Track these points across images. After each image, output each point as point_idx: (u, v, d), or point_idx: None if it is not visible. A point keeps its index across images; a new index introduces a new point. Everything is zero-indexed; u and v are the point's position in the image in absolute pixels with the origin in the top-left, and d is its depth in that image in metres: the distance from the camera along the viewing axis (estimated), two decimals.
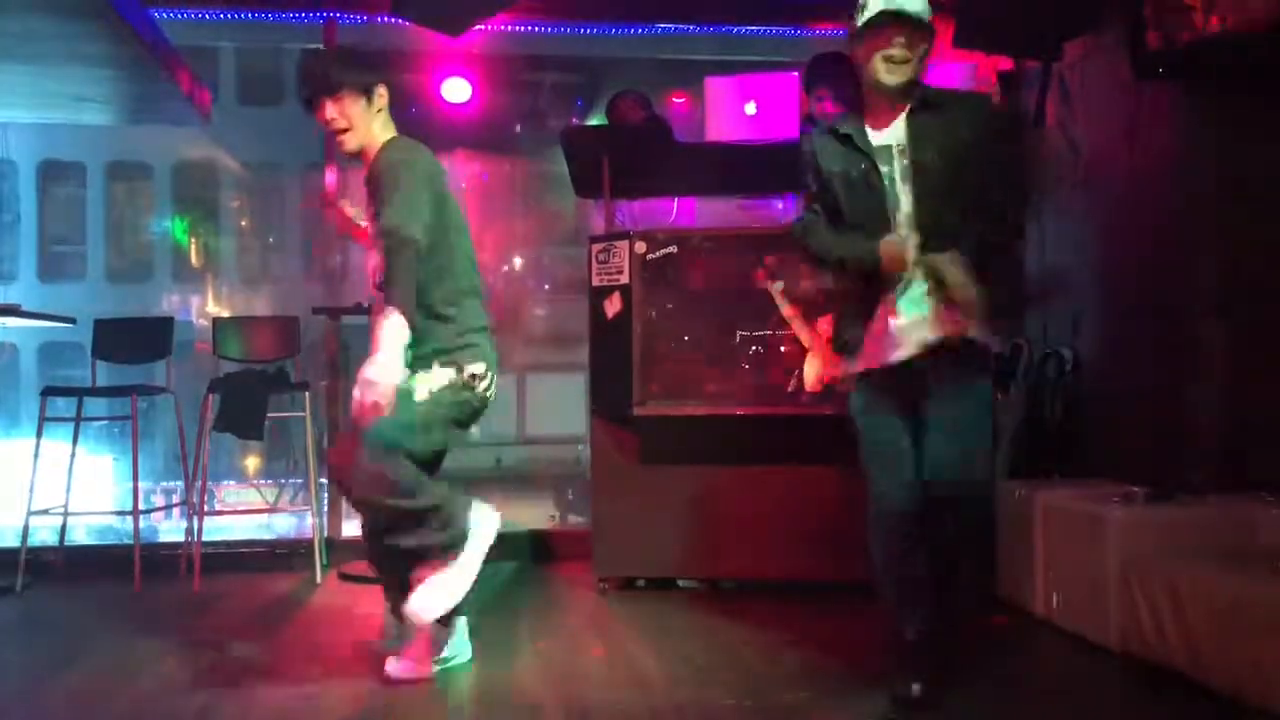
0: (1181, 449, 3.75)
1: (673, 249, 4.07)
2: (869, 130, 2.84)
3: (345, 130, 3.00)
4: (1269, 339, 3.45)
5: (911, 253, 2.73)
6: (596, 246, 4.19)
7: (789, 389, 3.90)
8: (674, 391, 4.06)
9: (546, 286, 17.01)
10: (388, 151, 3.03)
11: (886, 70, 2.75)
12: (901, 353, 2.75)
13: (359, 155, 3.07)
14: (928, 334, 2.73)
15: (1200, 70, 3.60)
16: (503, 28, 5.48)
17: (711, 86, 4.55)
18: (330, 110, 2.98)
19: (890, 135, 2.81)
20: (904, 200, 2.79)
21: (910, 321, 2.74)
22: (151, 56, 4.17)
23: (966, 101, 2.97)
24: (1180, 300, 3.81)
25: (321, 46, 5.26)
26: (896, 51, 2.74)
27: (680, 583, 4.23)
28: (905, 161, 2.78)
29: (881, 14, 2.73)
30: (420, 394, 2.95)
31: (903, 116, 2.81)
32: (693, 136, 4.66)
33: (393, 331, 2.79)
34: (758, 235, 4.31)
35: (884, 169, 2.80)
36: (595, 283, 4.18)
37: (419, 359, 2.97)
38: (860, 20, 2.77)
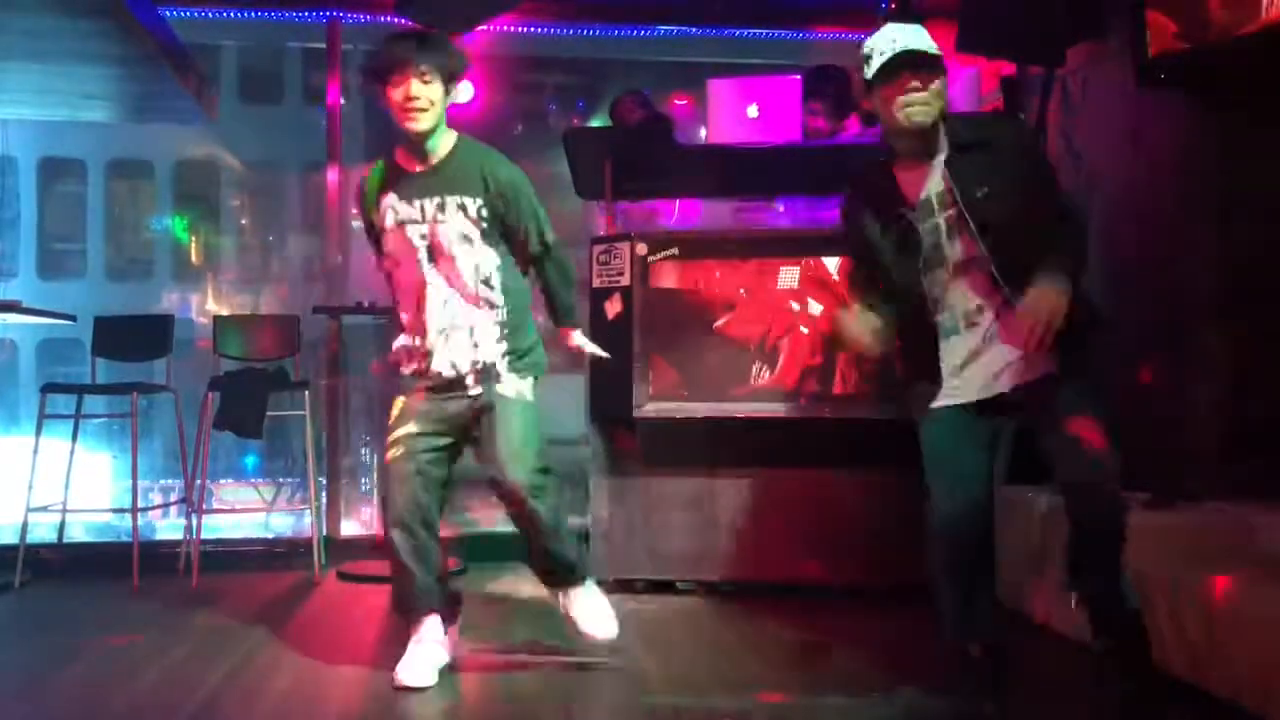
0: (1181, 454, 3.74)
1: (674, 251, 4.08)
2: (901, 185, 2.75)
3: (425, 110, 2.96)
4: (1269, 345, 3.46)
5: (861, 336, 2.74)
6: (598, 248, 4.19)
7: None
8: (674, 394, 4.06)
9: None
10: (508, 161, 3.12)
11: (910, 113, 2.65)
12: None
13: (423, 136, 3.01)
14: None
15: (1203, 76, 3.60)
16: (506, 29, 5.48)
17: (714, 89, 4.55)
18: (416, 87, 2.93)
19: (930, 186, 2.72)
20: (954, 250, 2.70)
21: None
22: (162, 55, 4.17)
23: (999, 128, 2.88)
24: (1181, 306, 3.81)
25: (324, 46, 5.29)
26: (915, 94, 2.64)
27: (679, 585, 4.23)
28: (951, 210, 2.68)
29: (893, 59, 2.63)
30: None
31: (939, 163, 2.71)
32: (695, 139, 4.67)
33: None
34: (759, 238, 4.32)
35: (925, 224, 2.71)
36: (596, 284, 4.18)
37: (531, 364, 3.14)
38: (870, 71, 2.67)
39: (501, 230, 3.07)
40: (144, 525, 5.03)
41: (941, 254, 2.72)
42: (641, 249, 4.07)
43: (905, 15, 4.87)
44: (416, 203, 3.02)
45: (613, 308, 4.12)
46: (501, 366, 3.07)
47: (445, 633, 3.14)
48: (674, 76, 8.98)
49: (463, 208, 3.01)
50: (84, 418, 4.78)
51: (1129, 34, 3.71)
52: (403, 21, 5.23)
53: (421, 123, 2.96)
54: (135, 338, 5.07)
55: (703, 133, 4.89)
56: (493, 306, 3.07)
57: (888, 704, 2.84)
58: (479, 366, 3.06)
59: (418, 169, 3.06)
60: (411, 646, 3.09)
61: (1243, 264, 3.58)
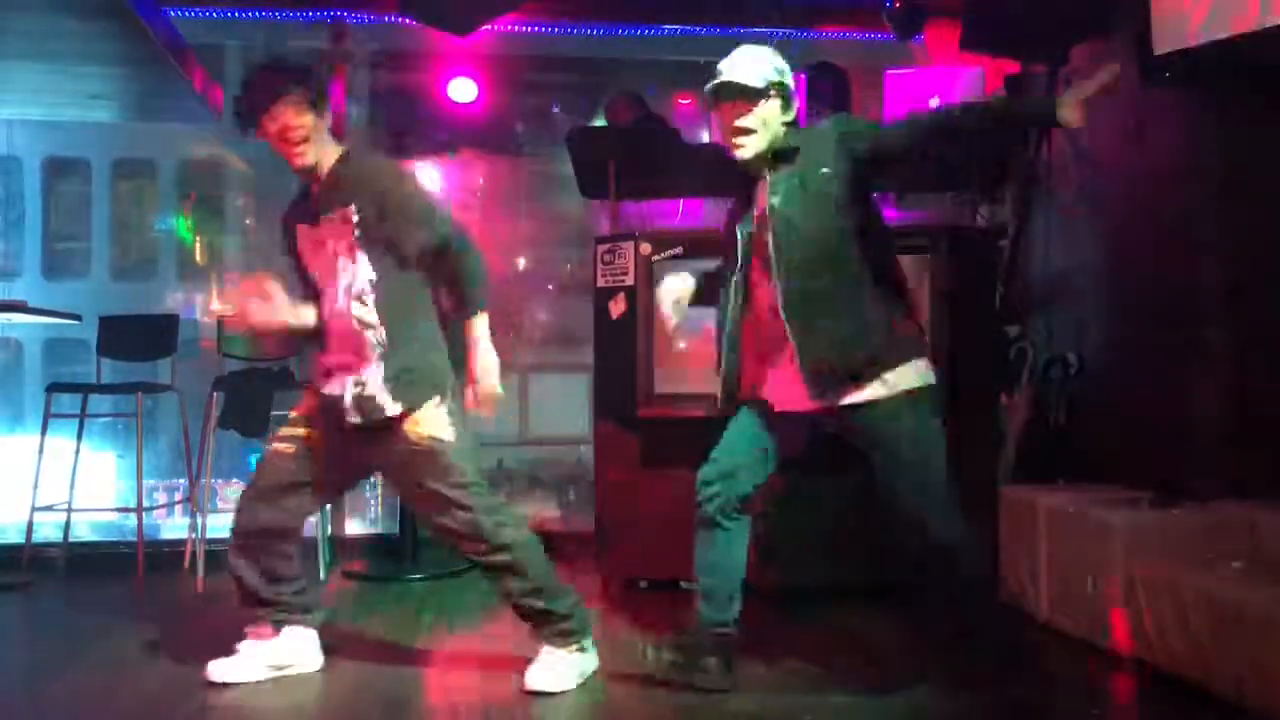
0: (1186, 453, 3.74)
1: (678, 250, 4.07)
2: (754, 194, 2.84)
3: (305, 141, 2.90)
4: (1274, 344, 3.45)
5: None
6: (602, 247, 4.19)
7: None
8: (678, 393, 4.06)
9: (550, 287, 17.02)
10: (387, 165, 3.04)
11: (734, 142, 2.72)
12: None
13: (309, 171, 2.98)
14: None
15: (1207, 74, 3.60)
16: (510, 28, 5.48)
17: None
18: (292, 117, 2.87)
19: (758, 196, 2.80)
20: (764, 256, 2.76)
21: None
22: (166, 55, 4.19)
23: (815, 132, 2.81)
24: (1185, 305, 3.81)
25: (323, 47, 5.31)
26: (739, 123, 2.69)
27: (683, 584, 4.22)
28: (773, 219, 2.73)
29: (715, 87, 2.68)
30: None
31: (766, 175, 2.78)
32: (699, 138, 4.67)
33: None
34: None
35: (746, 230, 2.80)
36: (600, 283, 4.19)
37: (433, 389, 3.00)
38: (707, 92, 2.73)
39: (381, 242, 2.93)
40: (149, 525, 5.05)
41: (769, 264, 2.74)
42: (646, 248, 4.06)
43: (909, 14, 4.88)
44: (310, 220, 3.01)
45: (617, 308, 4.13)
46: (384, 397, 2.93)
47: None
48: (679, 76, 8.98)
49: (342, 219, 2.93)
50: (89, 417, 4.79)
51: (1133, 32, 3.70)
52: (406, 21, 5.25)
53: (307, 156, 2.93)
54: (140, 337, 5.08)
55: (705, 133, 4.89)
56: (367, 326, 2.94)
57: (890, 702, 2.84)
58: (360, 394, 2.94)
59: (313, 189, 3.03)
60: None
61: (1246, 262, 3.57)
